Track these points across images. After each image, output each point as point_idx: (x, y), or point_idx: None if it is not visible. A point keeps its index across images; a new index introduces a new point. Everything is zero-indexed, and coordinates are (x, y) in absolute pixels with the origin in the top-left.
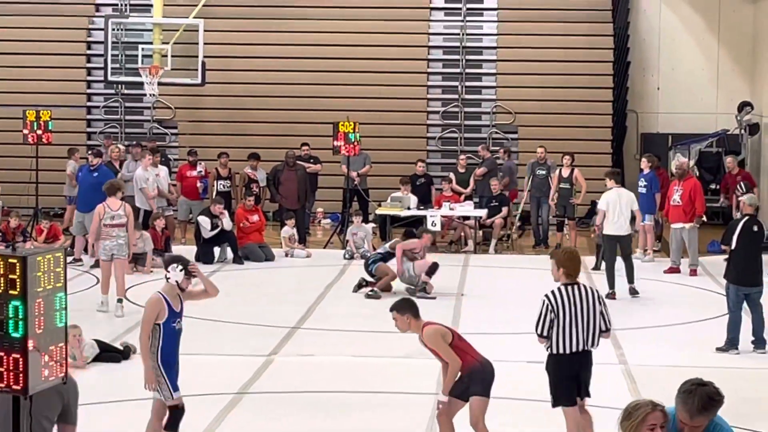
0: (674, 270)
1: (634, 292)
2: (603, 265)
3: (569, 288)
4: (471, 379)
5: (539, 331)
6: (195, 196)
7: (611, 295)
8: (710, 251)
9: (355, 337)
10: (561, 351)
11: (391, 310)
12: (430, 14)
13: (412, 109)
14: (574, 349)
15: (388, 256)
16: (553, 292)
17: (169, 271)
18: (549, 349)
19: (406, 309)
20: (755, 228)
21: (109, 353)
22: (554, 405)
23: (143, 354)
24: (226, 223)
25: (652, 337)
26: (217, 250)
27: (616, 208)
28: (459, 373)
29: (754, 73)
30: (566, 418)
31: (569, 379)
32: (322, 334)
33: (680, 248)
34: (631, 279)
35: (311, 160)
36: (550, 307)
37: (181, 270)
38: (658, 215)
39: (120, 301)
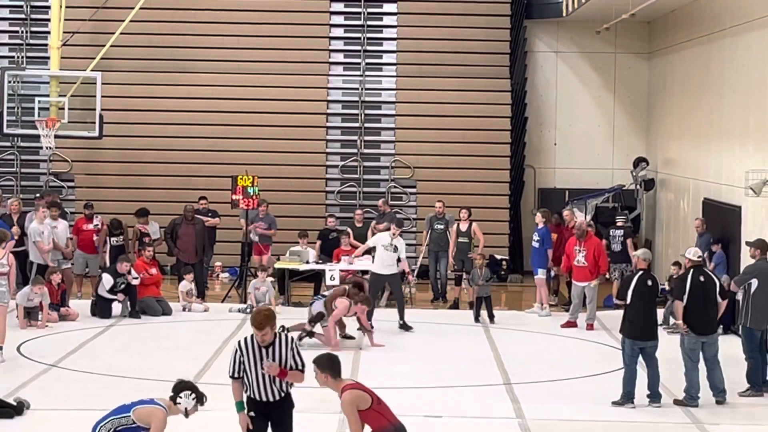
0: (571, 324)
1: (406, 327)
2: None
3: None
4: None
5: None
6: (91, 249)
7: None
8: (606, 305)
9: None
10: None
11: (313, 362)
12: (329, 69)
13: (311, 163)
14: None
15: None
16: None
17: (181, 397)
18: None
19: (326, 367)
20: (649, 282)
21: (1, 409)
22: None
23: None
24: (135, 280)
25: (548, 391)
26: (117, 305)
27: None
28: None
29: (648, 129)
30: None
31: None
32: (220, 389)
33: (581, 303)
34: (401, 315)
35: (209, 214)
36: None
37: (193, 398)
38: (557, 270)
39: None
